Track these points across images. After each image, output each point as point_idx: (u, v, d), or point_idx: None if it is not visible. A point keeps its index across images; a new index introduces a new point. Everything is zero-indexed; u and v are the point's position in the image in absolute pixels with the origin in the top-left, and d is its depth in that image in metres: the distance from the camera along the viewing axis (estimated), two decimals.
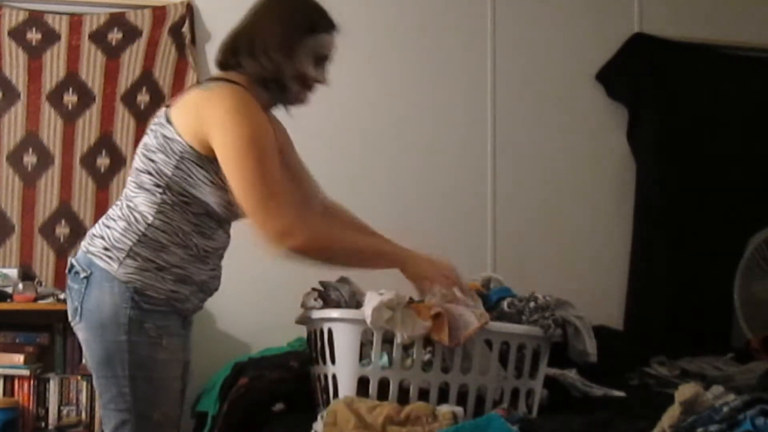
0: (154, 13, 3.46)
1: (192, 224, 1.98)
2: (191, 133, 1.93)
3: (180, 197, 1.96)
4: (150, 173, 1.96)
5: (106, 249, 1.95)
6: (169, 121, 1.96)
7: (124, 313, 1.91)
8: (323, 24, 2.06)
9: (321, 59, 2.08)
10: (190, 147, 1.93)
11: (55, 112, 3.38)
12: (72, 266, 2.01)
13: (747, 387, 2.59)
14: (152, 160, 1.96)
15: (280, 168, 1.96)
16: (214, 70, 3.47)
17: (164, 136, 1.95)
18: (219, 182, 1.94)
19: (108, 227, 1.98)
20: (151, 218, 1.95)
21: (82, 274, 1.96)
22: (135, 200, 1.97)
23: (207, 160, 1.93)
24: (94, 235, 2.00)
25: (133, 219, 1.96)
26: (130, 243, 1.94)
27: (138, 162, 1.99)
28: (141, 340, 1.92)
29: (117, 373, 1.92)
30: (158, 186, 1.95)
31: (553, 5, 3.88)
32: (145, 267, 1.93)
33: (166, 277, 1.95)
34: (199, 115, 1.93)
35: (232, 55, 2.05)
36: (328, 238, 2.01)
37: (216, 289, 2.12)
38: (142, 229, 1.94)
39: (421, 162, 3.69)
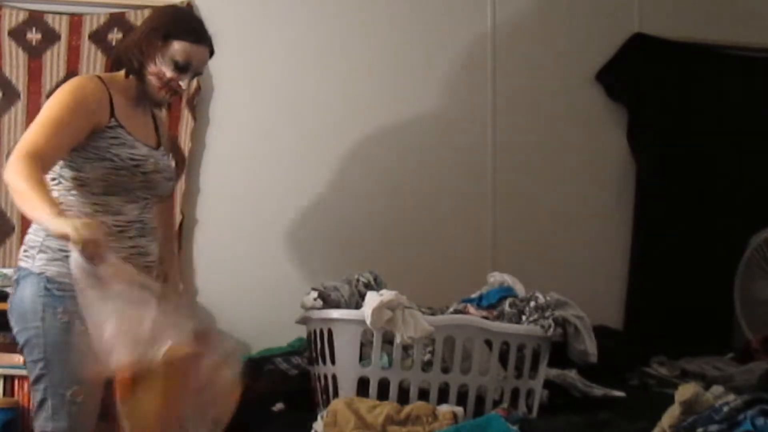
0: None
1: (94, 205, 2.12)
2: None
3: (74, 182, 2.11)
4: None
5: (24, 251, 2.14)
6: None
7: (40, 301, 2.07)
8: (177, 32, 2.20)
9: (179, 65, 2.19)
10: None
11: None
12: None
13: (747, 387, 2.60)
14: None
15: (66, 136, 2.09)
16: (214, 70, 3.52)
17: None
18: (97, 155, 2.10)
19: (28, 234, 2.16)
20: None
21: (14, 278, 2.15)
22: None
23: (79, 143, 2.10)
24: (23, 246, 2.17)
25: None
26: (41, 238, 2.10)
27: None
28: (53, 324, 2.06)
29: (35, 357, 2.08)
30: (53, 180, 2.12)
31: (553, 5, 3.87)
32: (54, 257, 2.07)
33: None
34: None
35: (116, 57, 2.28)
36: (20, 174, 1.97)
37: (146, 266, 2.19)
38: None
39: (421, 162, 3.68)
